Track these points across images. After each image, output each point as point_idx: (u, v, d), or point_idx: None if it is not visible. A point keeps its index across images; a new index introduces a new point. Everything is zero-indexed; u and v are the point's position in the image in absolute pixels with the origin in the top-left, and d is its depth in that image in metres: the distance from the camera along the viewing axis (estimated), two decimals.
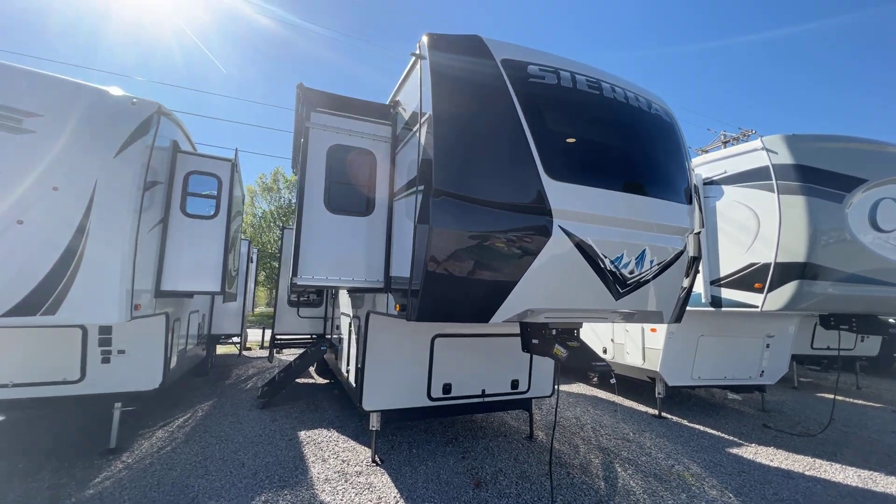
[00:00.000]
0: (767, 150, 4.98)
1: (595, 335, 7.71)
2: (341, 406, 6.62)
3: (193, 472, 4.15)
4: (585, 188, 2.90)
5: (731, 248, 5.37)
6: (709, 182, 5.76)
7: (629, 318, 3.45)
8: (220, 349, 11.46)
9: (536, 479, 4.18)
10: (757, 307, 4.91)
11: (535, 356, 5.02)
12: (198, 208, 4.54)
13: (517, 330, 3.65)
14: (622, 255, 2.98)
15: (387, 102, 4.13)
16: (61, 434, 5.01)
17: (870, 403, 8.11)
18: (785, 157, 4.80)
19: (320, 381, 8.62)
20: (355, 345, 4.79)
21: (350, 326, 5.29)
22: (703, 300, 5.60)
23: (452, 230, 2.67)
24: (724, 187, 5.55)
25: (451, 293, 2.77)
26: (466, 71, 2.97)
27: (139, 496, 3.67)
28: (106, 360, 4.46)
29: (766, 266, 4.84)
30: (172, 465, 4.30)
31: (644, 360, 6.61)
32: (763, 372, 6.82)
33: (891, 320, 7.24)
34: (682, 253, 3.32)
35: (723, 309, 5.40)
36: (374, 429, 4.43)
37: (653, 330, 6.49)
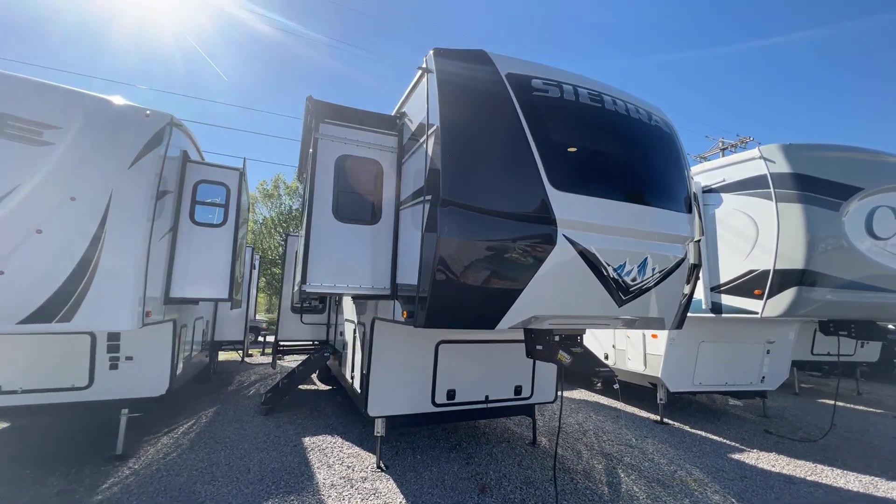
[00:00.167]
0: (765, 159, 5.08)
1: (597, 341, 7.76)
2: (345, 412, 6.64)
3: (200, 477, 4.18)
4: (588, 198, 2.98)
5: (731, 254, 5.45)
6: (708, 190, 5.86)
7: (631, 324, 3.52)
8: (222, 355, 11.47)
9: (540, 484, 4.22)
10: (757, 313, 4.98)
11: (538, 362, 5.07)
12: (206, 217, 4.62)
13: (520, 336, 3.72)
14: (625, 263, 3.06)
15: (392, 113, 4.23)
16: (68, 440, 5.04)
17: (871, 409, 8.15)
18: (782, 166, 4.90)
19: (323, 387, 8.65)
20: (360, 351, 4.84)
21: (355, 333, 5.35)
22: (704, 306, 5.67)
23: (460, 239, 2.75)
24: (723, 195, 5.65)
25: (458, 300, 2.84)
26: (472, 84, 3.07)
27: (147, 502, 3.70)
28: (114, 367, 4.51)
29: (766, 273, 4.92)
30: (179, 470, 4.33)
31: (645, 366, 6.66)
32: (764, 378, 6.86)
33: (890, 326, 7.31)
34: (682, 260, 3.40)
35: (723, 315, 5.46)
36: (378, 434, 4.47)
37: (654, 336, 6.55)
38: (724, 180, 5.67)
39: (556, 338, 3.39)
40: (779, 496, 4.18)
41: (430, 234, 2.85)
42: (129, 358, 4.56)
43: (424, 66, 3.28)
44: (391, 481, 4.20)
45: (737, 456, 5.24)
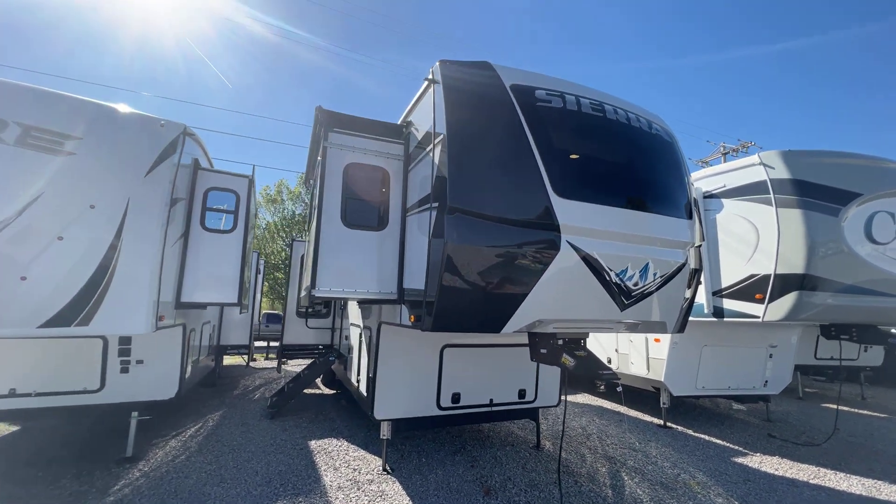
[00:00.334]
0: (764, 165, 5.16)
1: (599, 345, 7.80)
2: (350, 416, 6.70)
3: (209, 480, 4.25)
4: (591, 205, 3.07)
5: (732, 259, 5.51)
6: (709, 196, 5.93)
7: (634, 328, 3.59)
8: (226, 360, 11.55)
9: (545, 486, 4.27)
10: (758, 317, 5.03)
11: (542, 366, 5.14)
12: (216, 223, 4.73)
13: (524, 340, 3.79)
14: (627, 268, 3.13)
15: (399, 122, 4.34)
16: (78, 443, 5.12)
17: (875, 414, 8.15)
18: (781, 172, 4.97)
19: (327, 391, 8.71)
20: (366, 355, 4.91)
21: (360, 337, 5.42)
22: (706, 311, 5.72)
23: (466, 245, 2.83)
24: (724, 201, 5.72)
25: (464, 305, 2.92)
26: (477, 95, 3.17)
27: (158, 502, 3.77)
28: (125, 370, 4.59)
29: (767, 277, 4.98)
30: (188, 473, 4.39)
31: (648, 370, 6.70)
32: (767, 382, 6.88)
33: (893, 330, 7.33)
34: (683, 265, 3.47)
35: (725, 319, 5.51)
36: (384, 437, 4.52)
37: (656, 340, 6.59)
38: (724, 186, 5.74)
39: (560, 341, 3.46)
40: (781, 499, 4.21)
41: (437, 240, 2.93)
42: (139, 362, 4.64)
43: (431, 76, 3.39)
44: (397, 484, 4.25)
45: (740, 459, 5.27)
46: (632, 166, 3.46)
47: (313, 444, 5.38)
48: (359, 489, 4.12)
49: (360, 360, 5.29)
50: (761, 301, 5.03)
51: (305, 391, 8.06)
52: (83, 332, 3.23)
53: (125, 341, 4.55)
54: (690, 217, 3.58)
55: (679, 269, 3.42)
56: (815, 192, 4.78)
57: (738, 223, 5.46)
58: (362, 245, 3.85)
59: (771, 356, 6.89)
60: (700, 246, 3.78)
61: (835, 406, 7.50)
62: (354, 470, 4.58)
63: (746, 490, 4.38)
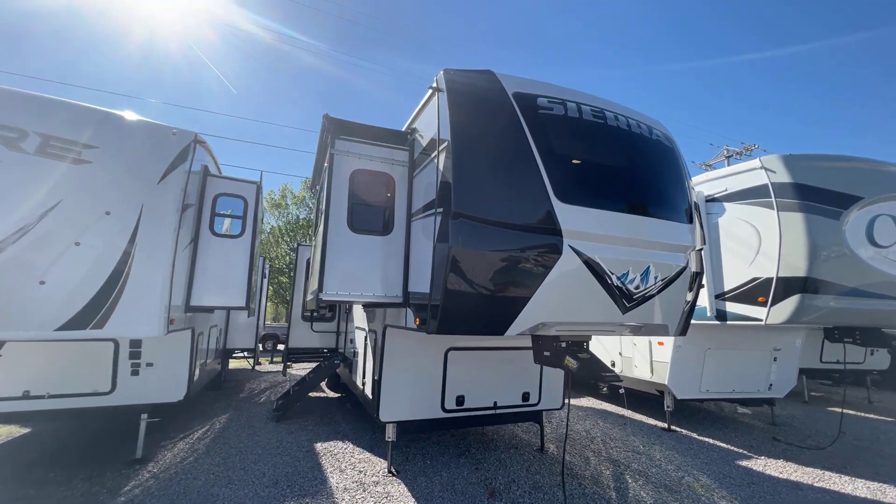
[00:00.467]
0: (766, 169, 5.20)
1: (603, 349, 7.82)
2: (354, 419, 6.75)
3: (217, 481, 4.31)
4: (593, 210, 3.13)
5: (735, 262, 5.54)
6: (711, 199, 5.98)
7: (637, 330, 3.63)
8: (232, 363, 11.64)
9: (549, 489, 4.30)
10: (761, 320, 5.06)
11: (545, 368, 5.18)
12: (225, 228, 4.83)
13: (528, 343, 3.84)
14: (628, 271, 3.19)
15: (403, 129, 4.43)
16: (88, 444, 5.20)
17: (881, 417, 8.10)
18: (783, 176, 5.02)
19: (332, 395, 8.77)
20: (372, 358, 4.97)
21: (366, 340, 5.49)
22: (709, 314, 5.75)
23: (470, 249, 2.90)
24: (726, 204, 5.76)
25: (469, 308, 2.99)
26: (481, 103, 3.25)
27: (168, 503, 3.84)
28: (135, 373, 4.68)
29: (769, 280, 5.01)
30: (196, 474, 4.46)
31: (652, 373, 6.71)
32: (771, 385, 6.88)
33: None
34: (684, 269, 3.52)
35: (728, 322, 5.54)
36: (390, 440, 4.57)
37: (660, 343, 6.61)
38: (726, 189, 5.79)
39: (563, 344, 3.51)
40: (786, 502, 4.22)
41: (441, 244, 3.01)
42: (149, 364, 4.73)
43: (435, 85, 3.47)
44: (402, 485, 4.30)
45: (744, 463, 5.27)
46: (632, 171, 3.53)
47: (319, 446, 5.44)
48: (365, 491, 4.17)
49: (366, 362, 5.35)
50: (764, 304, 5.05)
51: (310, 394, 8.11)
52: (98, 336, 3.33)
53: (136, 344, 4.64)
54: (691, 221, 3.63)
55: (680, 273, 3.47)
56: (817, 196, 4.82)
57: (741, 227, 5.50)
58: (368, 249, 3.93)
59: (775, 359, 6.88)
60: (701, 249, 3.82)
61: (839, 409, 7.47)
62: (360, 472, 4.63)
63: (750, 493, 4.39)
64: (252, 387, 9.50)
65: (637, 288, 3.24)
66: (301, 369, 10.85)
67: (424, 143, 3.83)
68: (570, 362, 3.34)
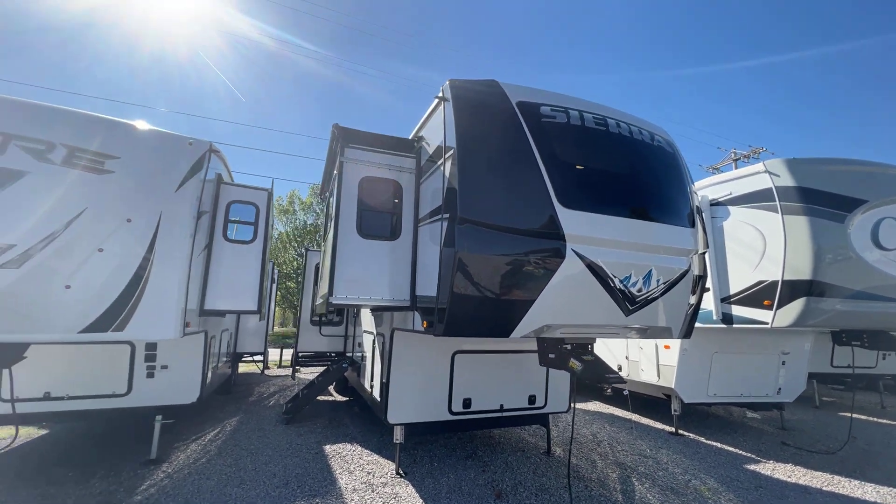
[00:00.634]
0: (770, 173, 5.23)
1: (610, 352, 7.83)
2: (362, 422, 6.83)
3: (229, 481, 4.41)
4: (595, 215, 3.21)
5: (740, 266, 5.56)
6: (715, 203, 6.01)
7: (640, 333, 3.68)
8: (241, 367, 11.79)
9: (555, 491, 4.33)
10: (767, 323, 5.06)
11: (551, 372, 5.23)
12: (238, 234, 4.97)
13: (534, 346, 3.91)
14: (630, 274, 3.25)
15: (410, 136, 4.55)
16: (104, 445, 5.34)
17: (894, 423, 7.98)
18: (787, 180, 5.04)
19: (340, 398, 8.85)
20: (380, 361, 5.06)
21: (374, 343, 5.58)
22: (715, 317, 5.76)
23: (476, 254, 2.99)
24: (731, 208, 5.79)
25: (475, 311, 3.07)
26: (485, 112, 3.36)
27: (182, 502, 3.94)
28: (150, 375, 4.81)
29: (774, 284, 5.02)
30: (209, 474, 4.56)
31: (659, 376, 6.71)
32: (780, 389, 6.83)
33: None
34: (686, 272, 3.57)
35: (734, 326, 5.54)
36: (398, 441, 4.64)
37: (666, 347, 6.62)
38: (731, 193, 5.82)
39: (568, 346, 3.58)
40: None
41: (448, 249, 3.10)
42: (164, 367, 4.86)
43: (441, 94, 3.59)
44: (410, 487, 4.36)
45: (752, 466, 5.26)
46: (634, 177, 3.60)
47: (328, 448, 5.52)
48: (373, 491, 4.24)
49: (374, 365, 5.44)
50: (769, 307, 5.06)
51: (319, 398, 8.20)
52: (118, 338, 3.46)
53: (151, 347, 4.78)
54: (693, 225, 3.69)
55: (682, 276, 3.52)
56: (821, 199, 4.84)
57: (745, 230, 5.52)
58: (376, 254, 4.04)
59: (784, 363, 6.85)
60: (704, 253, 3.87)
61: (850, 414, 7.39)
62: (368, 473, 4.70)
63: (758, 496, 4.39)
64: (261, 390, 9.62)
65: (639, 291, 3.30)
66: (309, 373, 10.95)
67: (431, 150, 3.94)
68: (575, 364, 3.40)
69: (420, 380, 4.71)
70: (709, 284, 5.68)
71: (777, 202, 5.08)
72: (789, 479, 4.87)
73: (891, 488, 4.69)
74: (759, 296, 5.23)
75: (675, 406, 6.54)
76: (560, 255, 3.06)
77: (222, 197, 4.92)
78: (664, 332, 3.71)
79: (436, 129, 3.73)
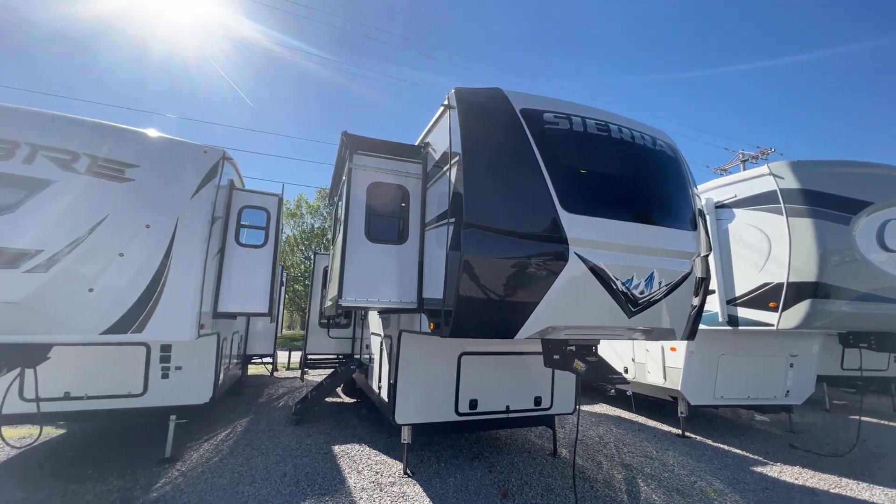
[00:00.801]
0: (774, 176, 5.25)
1: (616, 354, 7.84)
2: (370, 423, 6.92)
3: (241, 479, 4.52)
4: (597, 219, 3.28)
5: (745, 268, 5.58)
6: (720, 206, 6.03)
7: (647, 334, 3.74)
8: (250, 370, 11.95)
9: (561, 491, 4.38)
10: (772, 325, 5.07)
11: (557, 374, 5.28)
12: (249, 238, 5.12)
13: (539, 348, 3.98)
14: (632, 277, 3.32)
15: (416, 143, 4.65)
16: (119, 444, 5.49)
17: None
18: (791, 182, 5.06)
19: (347, 400, 8.96)
20: (387, 362, 5.15)
21: (381, 345, 5.68)
22: (720, 319, 5.77)
23: (481, 257, 3.07)
24: (736, 210, 5.81)
25: (480, 312, 3.15)
26: (490, 119, 3.45)
27: (197, 500, 4.05)
28: (165, 376, 4.95)
29: (779, 285, 5.03)
30: (222, 473, 4.68)
31: (665, 379, 6.72)
32: (788, 392, 6.80)
33: None
34: (688, 275, 3.62)
35: (739, 328, 5.56)
36: (405, 442, 4.73)
37: (673, 349, 6.63)
38: (735, 196, 5.84)
39: (572, 348, 3.64)
40: None
41: (454, 252, 3.19)
42: (178, 368, 5.00)
43: (447, 102, 3.69)
44: (418, 486, 4.44)
45: (759, 469, 5.26)
46: (636, 181, 3.67)
47: (337, 448, 5.62)
48: (381, 491, 4.32)
49: (382, 367, 5.53)
50: (775, 309, 5.07)
51: (327, 400, 8.32)
52: (137, 339, 3.61)
53: (166, 349, 4.92)
54: (695, 228, 3.74)
55: (684, 278, 3.57)
56: (825, 202, 4.85)
57: (750, 232, 5.54)
58: (384, 258, 4.14)
59: (792, 365, 6.81)
60: (707, 256, 3.92)
61: (863, 418, 7.32)
62: (377, 473, 4.78)
63: (764, 498, 4.40)
64: (270, 392, 9.76)
65: (642, 293, 3.36)
66: (317, 375, 11.09)
67: (437, 156, 4.04)
68: (579, 365, 3.47)
69: (427, 381, 4.80)
70: (714, 286, 5.70)
71: (782, 204, 5.10)
72: (796, 482, 4.87)
73: None
74: (765, 298, 5.24)
75: (681, 408, 6.54)
76: (563, 258, 3.14)
77: (234, 202, 5.07)
78: (667, 334, 3.76)
79: (442, 135, 3.83)
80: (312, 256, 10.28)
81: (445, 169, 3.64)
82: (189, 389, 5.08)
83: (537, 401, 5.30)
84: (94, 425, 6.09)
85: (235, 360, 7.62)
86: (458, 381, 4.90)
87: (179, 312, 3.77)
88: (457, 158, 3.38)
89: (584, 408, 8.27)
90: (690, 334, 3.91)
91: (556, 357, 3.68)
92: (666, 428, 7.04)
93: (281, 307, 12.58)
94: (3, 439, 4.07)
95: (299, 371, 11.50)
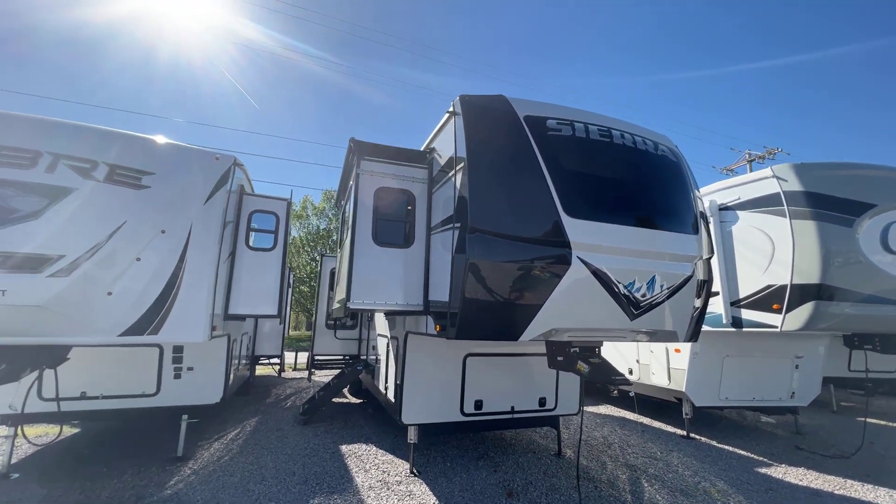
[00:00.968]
0: (777, 178, 5.28)
1: (621, 356, 7.87)
2: (377, 423, 7.01)
3: (251, 478, 4.62)
4: (600, 224, 3.35)
5: (749, 270, 5.60)
6: (724, 208, 6.06)
7: (650, 336, 3.79)
8: (258, 370, 12.09)
9: (565, 490, 4.44)
10: (776, 327, 5.10)
11: (561, 375, 5.34)
12: (259, 242, 5.24)
13: (543, 350, 4.05)
14: (634, 280, 3.38)
15: (422, 148, 4.75)
16: (132, 443, 5.62)
17: None
18: (794, 185, 5.09)
19: (354, 400, 9.06)
20: (394, 363, 5.24)
21: (388, 347, 5.77)
22: (724, 321, 5.80)
23: (486, 261, 3.15)
24: (739, 212, 5.84)
25: (485, 314, 3.24)
26: (494, 126, 3.53)
27: (209, 497, 4.16)
28: (177, 376, 5.08)
29: (783, 287, 5.06)
30: (232, 472, 4.79)
31: (670, 380, 6.75)
32: (794, 393, 6.80)
33: None
34: (690, 278, 3.68)
35: (744, 329, 5.58)
36: (411, 441, 4.81)
37: (677, 350, 6.66)
38: (739, 198, 5.87)
39: (576, 349, 3.71)
40: None
41: (460, 256, 3.28)
42: (190, 368, 5.13)
43: (452, 109, 3.78)
44: (424, 485, 4.52)
45: (764, 470, 5.28)
46: (638, 186, 3.73)
47: (344, 448, 5.71)
48: (388, 489, 4.41)
49: (388, 368, 5.62)
50: (779, 311, 5.10)
51: (334, 400, 8.43)
52: (153, 341, 3.73)
53: (178, 350, 5.05)
54: (697, 232, 3.80)
55: (686, 281, 3.63)
56: (829, 204, 4.88)
57: (754, 234, 5.57)
58: (391, 261, 4.23)
59: (797, 367, 6.81)
60: (709, 259, 3.96)
61: (870, 420, 7.29)
62: (384, 472, 4.87)
63: (767, 498, 4.43)
64: (278, 392, 9.88)
65: (644, 296, 3.42)
66: (324, 376, 11.20)
67: (442, 161, 4.13)
68: (582, 367, 3.53)
69: (433, 382, 4.88)
70: (718, 288, 5.73)
71: (785, 207, 5.13)
72: (800, 483, 4.89)
73: None
74: (769, 299, 5.26)
75: (686, 409, 6.57)
76: (566, 261, 3.21)
77: (245, 207, 5.19)
78: (670, 336, 3.81)
79: (447, 141, 3.91)
80: (319, 258, 10.40)
81: (451, 174, 3.72)
82: (200, 389, 5.20)
83: (542, 401, 5.36)
84: (105, 424, 6.24)
85: (244, 361, 7.75)
86: (463, 381, 4.98)
87: (193, 315, 3.89)
88: (462, 164, 3.46)
89: (589, 409, 8.31)
90: (693, 336, 3.96)
91: (559, 358, 3.75)
92: (671, 429, 7.06)
93: (288, 308, 12.71)
94: (26, 437, 4.21)
95: (306, 372, 11.62)
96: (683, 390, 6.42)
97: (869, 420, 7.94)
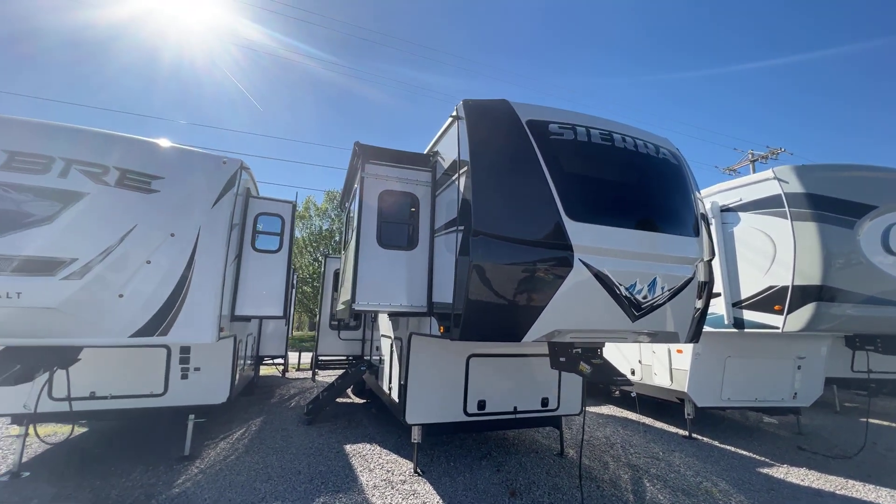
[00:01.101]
0: (779, 180, 5.32)
1: (623, 357, 7.91)
2: (380, 423, 7.07)
3: (258, 477, 4.69)
4: (601, 227, 3.40)
5: (751, 271, 5.63)
6: (726, 209, 6.09)
7: (651, 337, 3.84)
8: (261, 370, 12.16)
9: (568, 490, 4.49)
10: (778, 328, 5.13)
11: (563, 375, 5.39)
12: (265, 244, 5.31)
13: (545, 350, 4.10)
14: (635, 282, 3.43)
15: (425, 151, 4.80)
16: (139, 443, 5.70)
17: None
18: (795, 187, 5.12)
19: (358, 400, 9.12)
20: (398, 364, 5.30)
21: (392, 347, 5.83)
22: (726, 322, 5.83)
23: (489, 263, 3.21)
24: (741, 214, 5.87)
25: (488, 316, 3.29)
26: (497, 130, 3.58)
27: (217, 495, 4.23)
28: (184, 377, 5.15)
29: (784, 289, 5.09)
30: (239, 471, 4.85)
31: (672, 380, 6.78)
32: (796, 394, 6.82)
33: None
34: (691, 279, 3.72)
35: (745, 330, 5.61)
36: (415, 441, 4.86)
37: (679, 351, 6.69)
38: (741, 200, 5.91)
39: (578, 350, 3.76)
40: None
41: (463, 258, 3.33)
42: (197, 369, 5.20)
43: (455, 114, 3.83)
44: (428, 484, 4.57)
45: (765, 470, 5.30)
46: (639, 190, 3.78)
47: (349, 447, 5.77)
48: (393, 488, 4.47)
49: (392, 368, 5.67)
50: (780, 312, 5.13)
51: (338, 400, 8.49)
52: (162, 342, 3.81)
53: (185, 350, 5.12)
54: (698, 234, 3.84)
55: (686, 283, 3.67)
56: (830, 206, 4.90)
57: (756, 236, 5.60)
58: (395, 263, 4.29)
59: (799, 368, 6.83)
60: (710, 260, 4.00)
61: (873, 420, 7.30)
62: (388, 471, 4.93)
63: (769, 498, 4.46)
64: (282, 392, 9.96)
65: (645, 298, 3.47)
66: (328, 376, 11.27)
67: (446, 165, 4.19)
68: (584, 367, 3.58)
69: (436, 382, 4.93)
70: (720, 289, 5.77)
71: (786, 208, 5.16)
72: (802, 483, 4.91)
73: None
74: (770, 301, 5.29)
75: (688, 410, 6.60)
76: (568, 264, 3.26)
77: (251, 210, 5.27)
78: (671, 337, 3.85)
79: (450, 145, 3.97)
80: (322, 259, 10.49)
81: (454, 177, 3.78)
82: (207, 390, 5.27)
83: (544, 402, 5.41)
84: (113, 424, 6.32)
85: (249, 361, 7.82)
86: (466, 382, 5.03)
87: (202, 316, 3.97)
88: (465, 167, 3.52)
89: (592, 409, 8.35)
90: (694, 337, 4.00)
91: (562, 359, 3.80)
92: (673, 429, 7.09)
93: (291, 309, 12.80)
94: (38, 436, 4.29)
95: (310, 372, 11.70)
96: (685, 391, 6.45)
97: (871, 420, 7.94)
